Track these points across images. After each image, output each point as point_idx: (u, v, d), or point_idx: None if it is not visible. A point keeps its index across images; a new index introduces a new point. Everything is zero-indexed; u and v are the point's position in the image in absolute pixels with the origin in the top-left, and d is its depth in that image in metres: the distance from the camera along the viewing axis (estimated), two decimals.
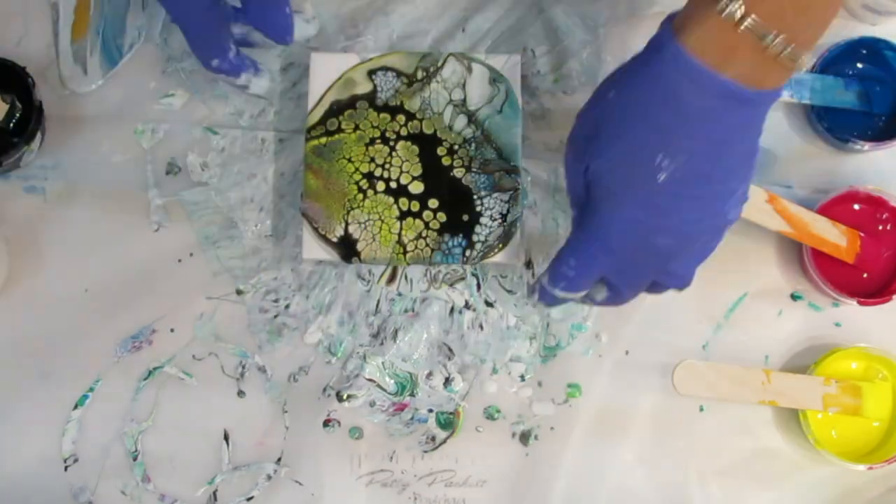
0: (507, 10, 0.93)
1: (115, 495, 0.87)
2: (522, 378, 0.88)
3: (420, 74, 0.88)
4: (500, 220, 0.85)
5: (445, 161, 0.87)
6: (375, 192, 0.86)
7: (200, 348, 0.89)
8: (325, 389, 0.88)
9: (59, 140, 0.92)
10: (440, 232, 0.85)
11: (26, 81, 0.88)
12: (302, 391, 0.88)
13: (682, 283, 0.73)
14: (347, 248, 0.85)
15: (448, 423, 0.88)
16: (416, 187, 0.86)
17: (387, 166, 0.86)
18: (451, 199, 0.86)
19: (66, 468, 0.87)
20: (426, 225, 0.85)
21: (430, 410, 0.88)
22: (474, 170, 0.86)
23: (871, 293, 0.88)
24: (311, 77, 0.89)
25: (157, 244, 0.90)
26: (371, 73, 0.88)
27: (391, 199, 0.86)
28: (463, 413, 0.88)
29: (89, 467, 0.87)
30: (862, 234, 0.88)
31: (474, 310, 0.89)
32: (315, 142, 0.87)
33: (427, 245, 0.85)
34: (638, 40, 0.88)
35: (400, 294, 0.89)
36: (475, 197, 0.86)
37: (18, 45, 0.93)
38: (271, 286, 0.90)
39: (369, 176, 0.86)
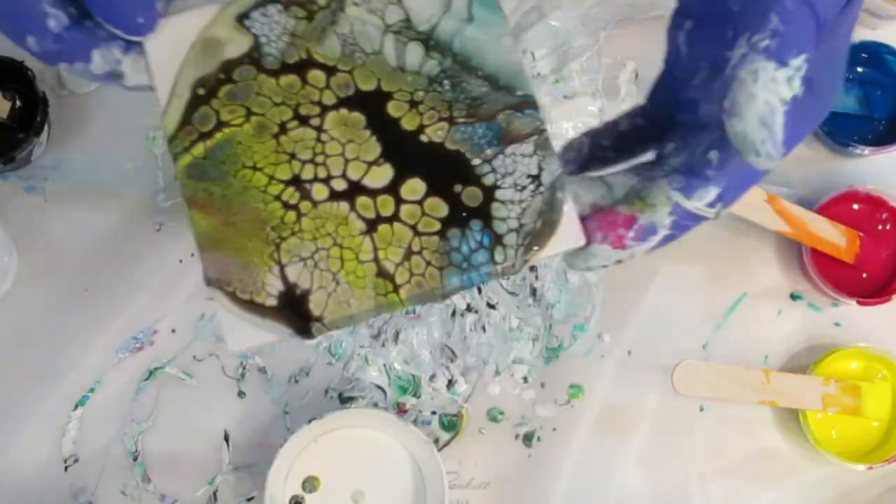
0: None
1: (115, 495, 0.87)
2: (525, 380, 0.88)
3: None
4: (531, 186, 0.53)
5: (409, 122, 0.54)
6: (314, 204, 0.53)
7: (201, 349, 0.89)
8: (327, 391, 0.88)
9: (58, 140, 0.92)
10: (442, 234, 0.53)
11: (26, 75, 0.88)
12: (303, 392, 0.88)
13: None
14: (295, 312, 0.52)
15: (451, 425, 0.88)
16: (379, 176, 0.54)
17: (320, 160, 0.54)
18: (440, 178, 0.54)
19: (66, 468, 0.87)
20: (414, 230, 0.53)
21: (434, 412, 0.88)
22: (460, 120, 0.54)
23: (870, 293, 0.88)
24: (149, 58, 0.56)
25: (158, 244, 0.90)
26: (241, 18, 0.55)
27: (344, 207, 0.53)
28: (466, 415, 0.88)
29: (90, 467, 0.87)
30: (861, 234, 0.88)
31: (476, 312, 0.89)
32: (186, 158, 0.54)
33: (427, 263, 0.53)
34: (639, 44, 0.90)
35: None
36: (478, 161, 0.54)
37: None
38: None
39: (295, 182, 0.54)
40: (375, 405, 0.88)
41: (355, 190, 0.53)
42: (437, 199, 0.53)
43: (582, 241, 0.53)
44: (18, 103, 0.89)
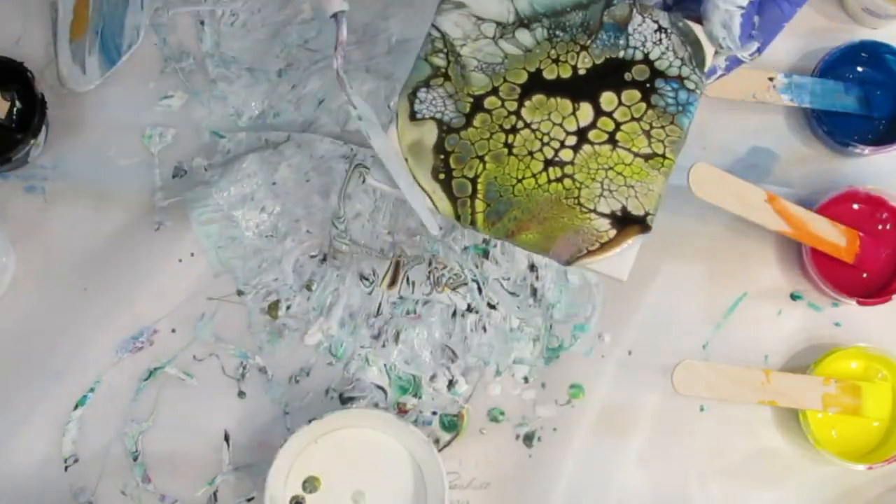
0: None
1: (115, 495, 0.87)
2: (526, 380, 0.88)
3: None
4: (663, 36, 0.72)
5: (564, 72, 0.72)
6: (571, 163, 0.71)
7: (201, 349, 0.89)
8: (327, 391, 0.88)
9: (58, 140, 0.92)
10: (649, 105, 0.71)
11: (26, 76, 0.88)
12: (303, 392, 0.88)
13: None
14: (628, 223, 0.70)
15: (452, 425, 0.88)
16: (584, 115, 0.71)
17: (546, 140, 0.72)
18: (614, 80, 0.72)
19: (66, 468, 0.87)
20: (635, 119, 0.71)
21: (434, 413, 0.88)
22: (588, 42, 0.72)
23: (870, 293, 0.88)
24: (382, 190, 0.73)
25: (158, 244, 0.90)
26: (413, 117, 0.73)
27: (588, 148, 0.71)
28: (467, 415, 0.88)
29: (90, 467, 0.87)
30: (861, 234, 0.88)
31: (477, 312, 0.89)
32: (480, 216, 0.71)
33: (662, 126, 0.71)
34: None
35: (402, 298, 0.89)
36: (622, 52, 0.72)
37: (17, 45, 0.93)
38: (272, 287, 0.89)
39: (548, 164, 0.71)
40: (376, 405, 0.88)
41: (582, 134, 0.71)
42: (627, 92, 0.71)
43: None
44: (18, 104, 0.89)
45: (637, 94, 0.71)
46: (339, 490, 0.86)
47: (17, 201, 0.91)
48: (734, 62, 0.74)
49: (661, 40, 0.71)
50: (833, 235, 0.87)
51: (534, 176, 0.71)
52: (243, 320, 0.89)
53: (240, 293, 0.89)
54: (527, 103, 0.71)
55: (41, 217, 0.91)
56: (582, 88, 0.71)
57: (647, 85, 0.71)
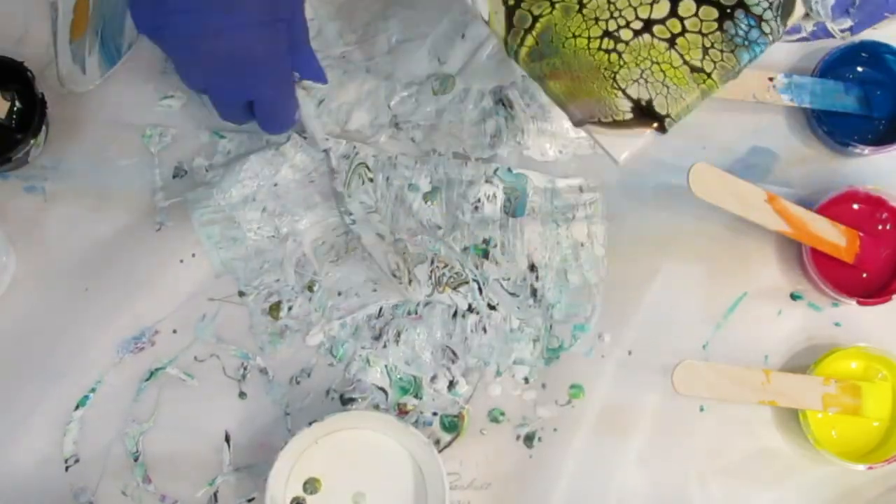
0: None
1: (115, 496, 0.87)
2: (526, 380, 0.88)
3: None
4: None
5: None
6: (626, 43, 0.71)
7: (202, 349, 0.89)
8: (328, 392, 0.88)
9: (58, 140, 0.92)
10: (721, 29, 0.71)
11: (26, 76, 0.88)
12: (304, 394, 0.88)
13: None
14: (647, 115, 0.71)
15: (452, 425, 0.88)
16: (661, 9, 0.72)
17: (616, 15, 0.72)
18: None
19: (66, 468, 0.87)
20: (700, 33, 0.71)
21: (435, 414, 0.88)
22: None
23: (870, 293, 0.88)
24: None
25: (159, 244, 0.90)
26: None
27: (647, 38, 0.71)
28: (467, 416, 0.88)
29: (90, 467, 0.87)
30: (861, 234, 0.88)
31: (477, 313, 0.89)
32: (524, 48, 0.73)
33: (721, 51, 0.71)
34: None
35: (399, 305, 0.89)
36: None
37: (18, 45, 0.93)
38: (274, 288, 0.89)
39: (607, 35, 0.72)
40: (376, 406, 0.88)
41: (649, 24, 0.72)
42: (706, 7, 0.71)
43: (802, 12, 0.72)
44: (18, 104, 0.89)
45: (715, 12, 0.71)
46: (339, 491, 0.86)
47: (17, 201, 0.91)
48: (822, 31, 0.73)
49: None
50: (833, 235, 0.87)
51: (588, 39, 0.72)
52: (244, 321, 0.89)
53: (241, 294, 0.89)
54: None
55: (41, 217, 0.91)
56: None
57: (728, 10, 0.71)
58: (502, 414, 0.88)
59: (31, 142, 0.88)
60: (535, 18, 0.73)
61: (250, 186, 0.90)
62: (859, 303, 0.87)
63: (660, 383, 0.87)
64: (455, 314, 0.89)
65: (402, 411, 0.88)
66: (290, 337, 0.89)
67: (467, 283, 0.89)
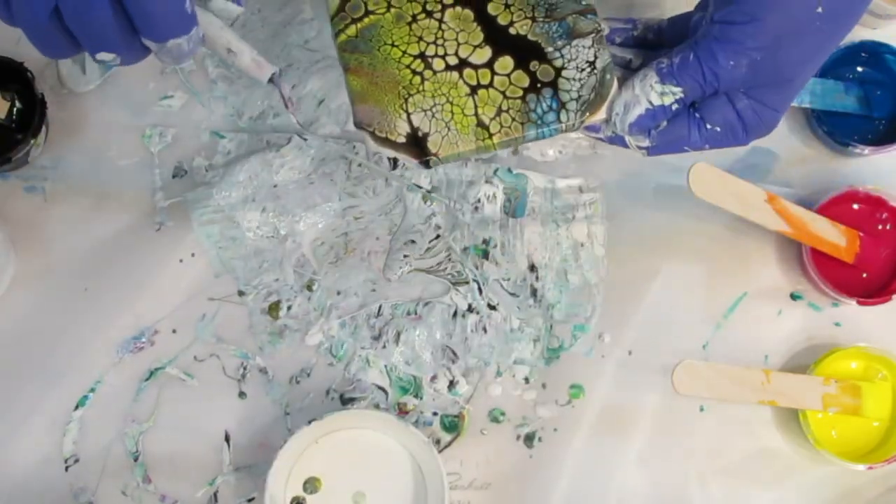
0: None
1: (115, 496, 0.87)
2: (526, 380, 0.88)
3: None
4: (588, 69, 0.71)
5: (503, 19, 0.73)
6: (434, 73, 0.72)
7: (202, 349, 0.89)
8: (328, 392, 0.88)
9: (58, 140, 0.92)
10: (523, 99, 0.71)
11: (25, 76, 0.88)
12: (304, 393, 0.88)
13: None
14: (417, 146, 0.71)
15: (453, 425, 0.88)
16: (481, 56, 0.72)
17: (440, 42, 0.73)
18: (523, 59, 0.72)
19: (66, 468, 0.87)
20: (503, 94, 0.71)
21: (435, 413, 0.88)
22: (540, 20, 0.72)
23: (870, 293, 0.88)
24: None
25: (158, 244, 0.90)
26: None
27: (455, 76, 0.72)
28: (467, 416, 0.88)
29: (90, 467, 0.87)
30: (861, 234, 0.88)
31: (477, 313, 0.89)
32: (343, 35, 0.73)
33: (513, 119, 0.71)
34: None
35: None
36: (551, 49, 0.72)
37: (17, 45, 0.92)
38: (273, 287, 0.89)
39: (422, 57, 0.72)
40: (377, 406, 0.88)
41: (464, 64, 0.72)
42: (521, 73, 0.72)
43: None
44: (18, 104, 0.89)
45: (526, 81, 0.71)
46: (339, 491, 0.86)
47: (17, 201, 0.91)
48: (619, 140, 0.73)
49: (583, 70, 0.71)
50: (833, 235, 0.87)
51: (403, 53, 0.72)
52: (244, 321, 0.89)
53: (241, 294, 0.89)
54: (457, 8, 0.73)
55: (41, 217, 0.91)
56: (499, 38, 0.72)
57: (539, 85, 0.71)
58: (502, 414, 0.88)
59: (31, 142, 0.88)
60: (367, 13, 0.73)
61: (250, 187, 0.90)
62: (859, 303, 0.87)
63: (660, 383, 0.87)
64: (455, 314, 0.89)
65: (402, 411, 0.88)
66: (290, 336, 0.89)
67: (467, 282, 0.89)
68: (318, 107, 0.92)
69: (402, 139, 0.71)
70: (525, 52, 0.72)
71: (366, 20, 0.73)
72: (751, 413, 0.89)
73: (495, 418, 0.88)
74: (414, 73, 0.72)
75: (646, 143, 0.73)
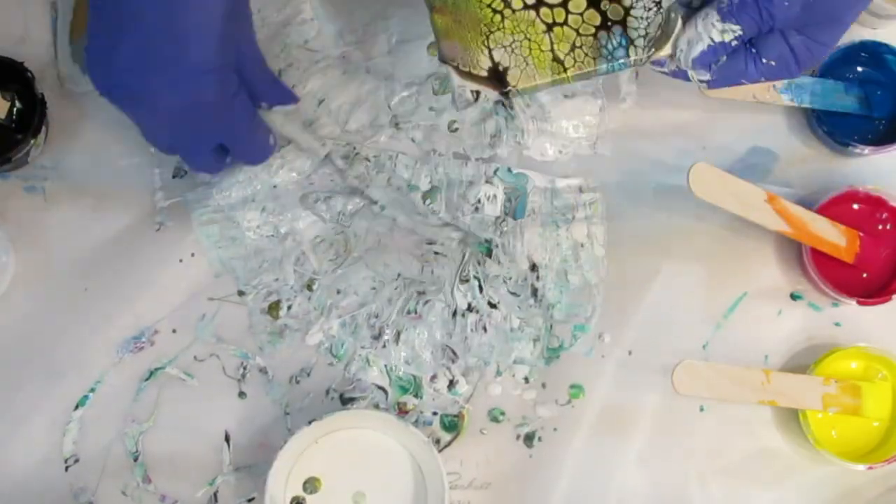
0: None
1: (115, 496, 0.87)
2: (526, 380, 0.88)
3: None
4: (654, 8, 0.76)
5: None
6: (513, 11, 0.76)
7: (202, 349, 0.89)
8: (328, 392, 0.88)
9: (58, 140, 0.92)
10: (595, 35, 0.76)
11: (26, 77, 0.88)
12: (304, 393, 0.88)
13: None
14: (497, 80, 0.76)
15: (452, 425, 0.88)
16: None
17: None
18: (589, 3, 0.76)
19: (66, 468, 0.87)
20: (577, 32, 0.76)
21: (435, 413, 0.88)
22: None
23: (870, 293, 0.88)
24: None
25: (158, 244, 0.90)
26: None
27: (532, 14, 0.76)
28: (467, 415, 0.88)
29: (90, 467, 0.87)
30: (861, 234, 0.88)
31: (477, 312, 0.89)
32: None
33: (586, 54, 0.76)
34: None
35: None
36: None
37: (17, 45, 0.93)
38: (273, 287, 0.89)
39: None
40: (376, 406, 0.88)
41: (540, 3, 0.75)
42: (593, 12, 0.75)
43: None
44: (18, 104, 0.89)
45: (598, 20, 0.76)
46: (339, 491, 0.86)
47: (17, 201, 0.91)
48: (682, 75, 0.77)
49: (650, 9, 0.75)
50: (833, 235, 0.87)
51: None
52: (244, 321, 0.89)
53: (240, 293, 0.89)
54: None
55: (41, 217, 0.91)
56: None
57: (609, 23, 0.75)
58: (502, 413, 0.88)
59: (31, 142, 0.88)
60: None
61: (250, 188, 0.90)
62: (859, 303, 0.87)
63: (660, 383, 0.87)
64: (455, 313, 0.89)
65: (401, 410, 0.88)
66: (290, 336, 0.89)
67: (468, 281, 0.89)
68: (318, 107, 0.92)
69: (484, 73, 0.76)
70: None
71: None
72: (751, 413, 0.89)
73: (495, 418, 0.88)
74: (494, 11, 0.76)
75: (707, 76, 0.76)
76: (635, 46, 0.76)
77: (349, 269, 0.90)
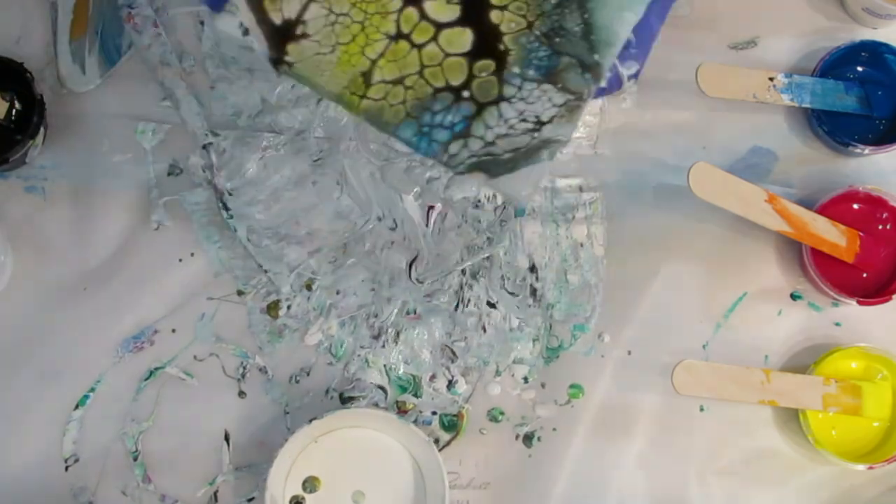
0: None
1: (115, 495, 0.87)
2: (525, 380, 0.88)
3: None
4: (531, 125, 0.55)
5: (499, 0, 0.56)
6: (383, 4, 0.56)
7: (201, 349, 0.89)
8: (327, 391, 0.88)
9: (58, 140, 0.92)
10: (436, 92, 0.54)
11: (25, 77, 0.88)
12: (304, 392, 0.88)
13: None
14: (281, 41, 0.55)
15: (452, 425, 0.88)
16: (441, 9, 0.55)
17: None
18: (481, 52, 0.55)
19: (66, 468, 0.87)
20: (420, 70, 0.55)
21: (434, 413, 0.88)
22: (535, 33, 0.55)
23: (870, 293, 0.88)
24: None
25: (157, 244, 0.90)
26: None
27: (397, 4, 0.56)
28: (466, 415, 0.88)
29: (90, 467, 0.87)
30: (861, 234, 0.88)
31: (477, 308, 0.89)
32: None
33: (403, 102, 0.54)
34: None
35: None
36: (516, 70, 0.55)
37: (17, 45, 0.93)
38: (272, 287, 0.89)
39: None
40: (376, 405, 0.88)
41: (423, 17, 0.55)
42: (461, 63, 0.54)
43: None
44: (17, 104, 0.89)
45: (458, 76, 0.56)
46: (339, 490, 0.86)
47: (16, 201, 0.91)
48: (614, 82, 0.62)
49: (523, 121, 0.56)
50: (833, 235, 0.87)
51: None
52: (243, 320, 0.89)
53: (240, 293, 0.89)
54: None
55: (40, 217, 0.91)
56: (477, 12, 0.56)
57: (464, 94, 0.56)
58: (502, 413, 0.88)
59: (30, 143, 0.88)
60: None
61: (249, 187, 0.90)
62: (859, 303, 0.87)
63: (660, 383, 0.87)
64: (455, 311, 0.89)
65: (401, 410, 0.88)
66: (289, 336, 0.89)
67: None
68: (317, 106, 0.92)
69: (278, 20, 0.56)
70: (489, 49, 0.56)
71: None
72: (751, 413, 0.88)
73: (494, 418, 0.88)
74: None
75: (634, 67, 0.61)
76: (466, 147, 0.55)
77: (349, 269, 0.90)
